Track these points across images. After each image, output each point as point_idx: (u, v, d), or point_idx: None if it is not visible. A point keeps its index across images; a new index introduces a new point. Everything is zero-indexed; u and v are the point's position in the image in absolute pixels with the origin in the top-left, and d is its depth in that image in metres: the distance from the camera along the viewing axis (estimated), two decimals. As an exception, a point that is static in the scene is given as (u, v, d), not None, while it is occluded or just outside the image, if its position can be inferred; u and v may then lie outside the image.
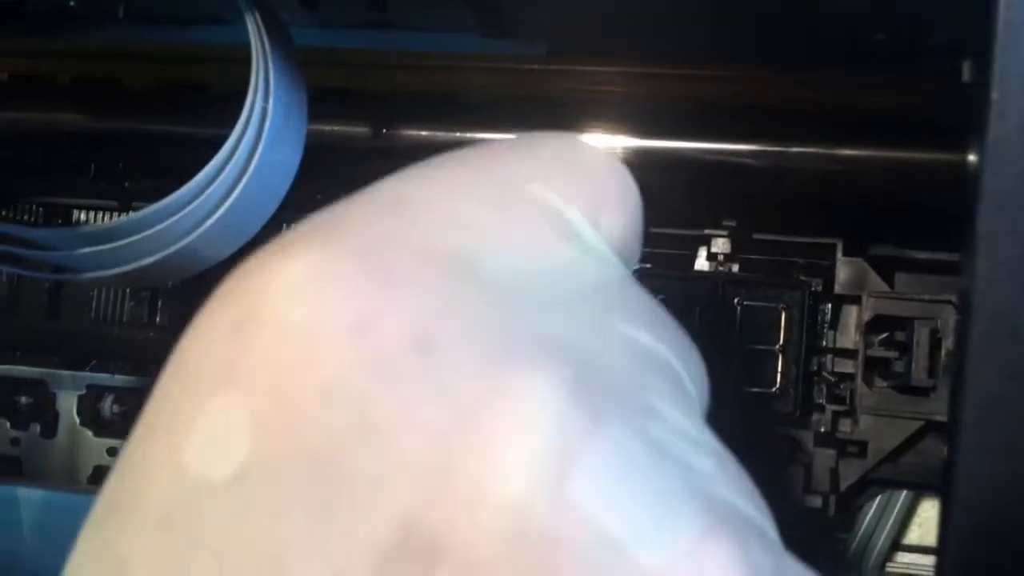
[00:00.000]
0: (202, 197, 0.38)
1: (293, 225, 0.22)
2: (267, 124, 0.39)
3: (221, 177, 0.38)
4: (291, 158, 0.42)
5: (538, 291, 0.21)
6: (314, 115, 0.45)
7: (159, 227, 0.38)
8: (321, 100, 0.46)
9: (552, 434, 0.18)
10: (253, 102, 0.39)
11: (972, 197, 0.28)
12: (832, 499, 0.56)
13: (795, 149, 0.51)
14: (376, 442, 0.18)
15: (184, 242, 0.39)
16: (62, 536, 0.48)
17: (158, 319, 0.62)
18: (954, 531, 0.30)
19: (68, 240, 0.40)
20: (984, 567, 0.29)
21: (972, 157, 0.29)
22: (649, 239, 0.60)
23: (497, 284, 0.21)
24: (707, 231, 0.59)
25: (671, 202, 0.58)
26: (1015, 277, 0.28)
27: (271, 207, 0.42)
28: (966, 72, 0.30)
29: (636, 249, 0.27)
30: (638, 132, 0.53)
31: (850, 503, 0.58)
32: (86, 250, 0.40)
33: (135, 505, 0.19)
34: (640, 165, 0.54)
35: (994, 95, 0.28)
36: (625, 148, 0.53)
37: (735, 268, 0.59)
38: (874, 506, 0.60)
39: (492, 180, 0.23)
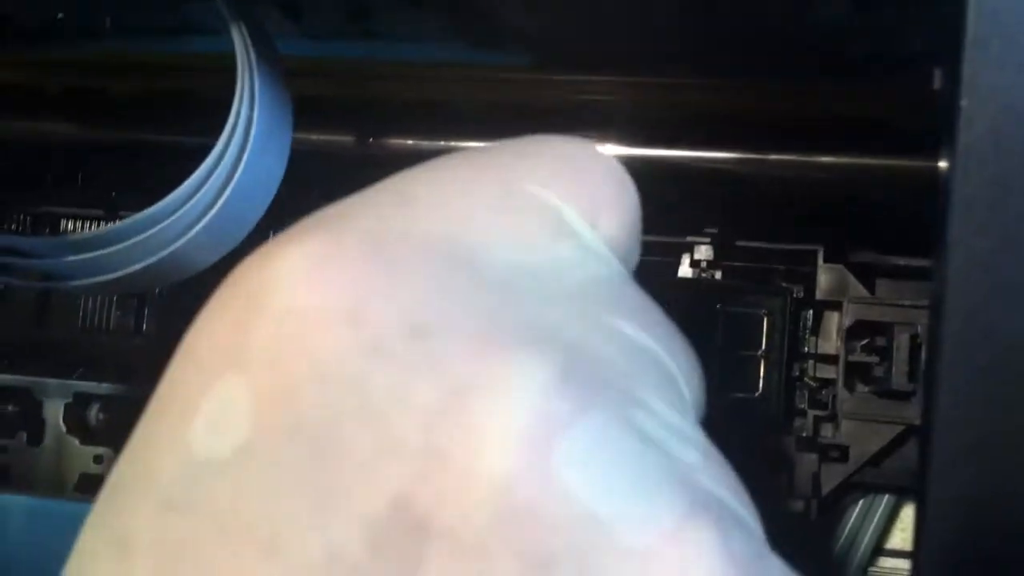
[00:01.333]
0: (188, 205, 0.39)
1: (279, 233, 0.23)
2: (252, 133, 0.39)
3: (207, 185, 0.38)
4: (276, 167, 0.42)
5: (533, 284, 0.22)
6: (300, 125, 0.45)
7: (145, 235, 0.39)
8: (307, 110, 0.46)
9: (539, 415, 0.19)
10: (239, 111, 0.39)
11: (943, 202, 0.29)
12: (814, 503, 0.56)
13: (774, 157, 0.52)
14: (370, 421, 0.19)
15: (170, 249, 0.39)
16: (49, 544, 0.48)
17: (144, 327, 0.62)
18: (929, 533, 0.30)
19: (56, 248, 0.41)
20: (959, 569, 0.30)
21: (943, 163, 0.30)
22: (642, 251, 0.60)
23: (493, 276, 0.22)
24: (690, 238, 0.59)
25: (654, 209, 0.58)
26: (985, 281, 0.29)
27: (256, 215, 0.42)
28: (937, 80, 0.31)
29: (635, 249, 0.28)
30: (622, 141, 0.53)
31: (832, 507, 0.58)
32: (73, 258, 0.40)
33: (139, 486, 0.20)
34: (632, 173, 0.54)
35: (963, 102, 0.28)
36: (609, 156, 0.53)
37: (718, 275, 0.59)
38: (856, 510, 0.60)
39: (493, 179, 0.24)
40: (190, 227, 0.39)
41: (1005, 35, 0.28)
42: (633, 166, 0.53)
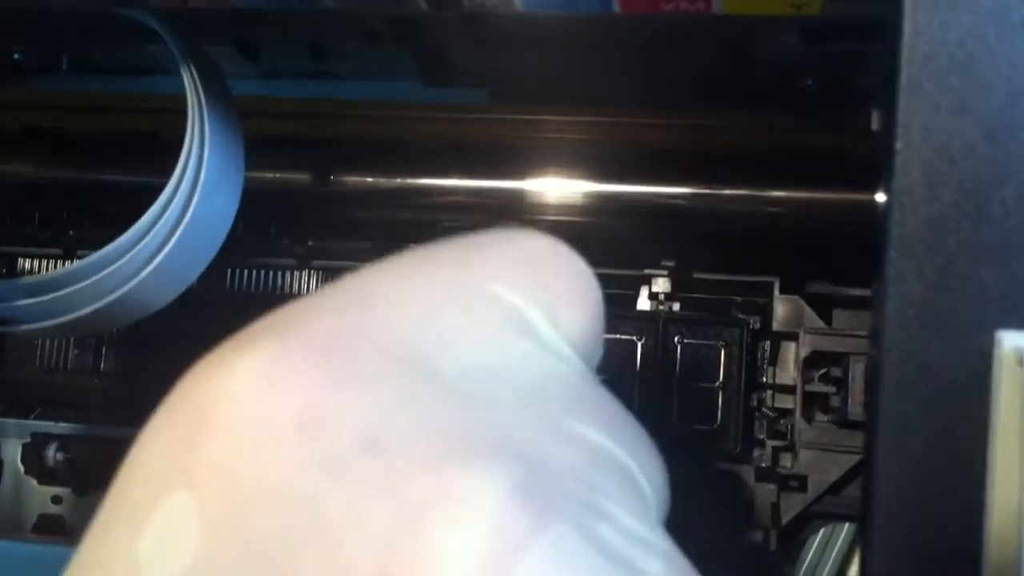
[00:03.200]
0: (139, 246, 0.39)
1: (228, 339, 0.23)
2: (203, 174, 0.39)
3: (158, 226, 0.38)
4: (228, 206, 0.42)
5: (492, 389, 0.22)
6: (258, 163, 0.46)
7: (97, 276, 0.39)
8: (265, 148, 0.47)
9: (496, 535, 0.19)
10: (189, 152, 0.39)
11: (881, 240, 0.30)
12: (773, 533, 0.57)
13: (728, 191, 0.52)
14: (322, 543, 0.19)
15: (123, 290, 0.39)
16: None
17: (102, 366, 0.62)
18: (874, 561, 0.30)
19: (10, 292, 0.40)
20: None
21: (880, 198, 0.30)
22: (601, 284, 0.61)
23: (451, 382, 0.21)
24: (647, 271, 0.60)
25: (612, 243, 0.59)
26: (922, 319, 0.29)
27: (209, 255, 0.42)
28: (875, 121, 0.32)
29: (597, 347, 0.27)
30: (578, 176, 0.54)
31: (793, 536, 0.59)
32: (27, 301, 0.40)
33: None
34: (581, 208, 0.55)
35: (898, 145, 0.29)
36: (566, 192, 0.54)
37: (676, 307, 0.60)
38: (817, 539, 0.61)
39: (453, 278, 0.24)
40: (142, 268, 0.39)
41: (937, 79, 0.29)
42: (590, 202, 0.54)
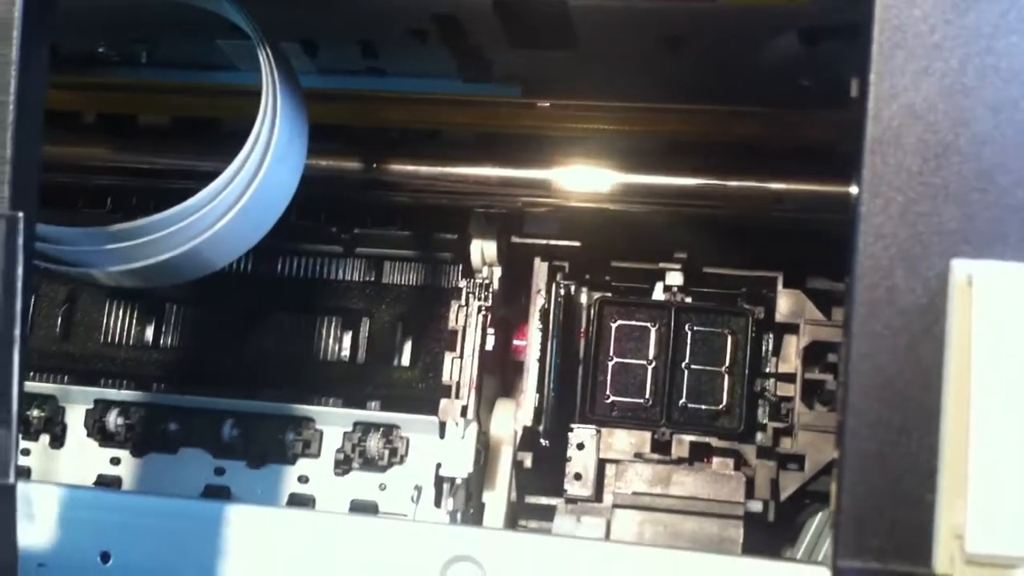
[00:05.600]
0: (212, 204, 0.44)
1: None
2: (273, 143, 0.45)
3: (230, 188, 0.44)
4: (291, 177, 0.48)
5: None
6: (312, 151, 0.51)
7: (173, 228, 0.44)
8: (318, 137, 0.52)
9: None
10: (263, 122, 0.45)
11: (857, 183, 0.35)
12: (772, 504, 0.61)
13: (734, 183, 0.57)
14: None
15: (193, 243, 0.45)
16: (68, 528, 0.52)
17: (160, 341, 0.67)
18: (847, 460, 0.35)
19: (92, 237, 0.46)
20: (865, 522, 0.35)
21: (854, 189, 0.36)
22: (613, 272, 0.66)
23: None
24: (662, 265, 0.65)
25: (632, 235, 0.65)
26: (888, 250, 0.34)
27: (270, 221, 0.48)
28: (853, 88, 0.37)
29: None
30: (602, 165, 0.59)
31: (791, 512, 0.63)
32: (107, 247, 0.45)
33: None
34: (605, 196, 0.60)
35: (870, 104, 0.34)
36: (590, 181, 0.59)
37: (687, 299, 0.65)
38: (815, 523, 0.65)
39: None
40: (212, 224, 0.44)
41: (904, 47, 0.35)
42: (613, 190, 0.59)
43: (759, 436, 0.64)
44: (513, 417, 0.65)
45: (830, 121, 0.56)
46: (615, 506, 0.61)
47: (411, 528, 0.53)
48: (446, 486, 0.62)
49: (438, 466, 0.62)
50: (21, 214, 0.38)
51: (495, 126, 0.60)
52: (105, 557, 0.51)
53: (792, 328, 0.64)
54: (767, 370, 0.65)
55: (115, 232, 0.45)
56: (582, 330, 0.66)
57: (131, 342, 0.68)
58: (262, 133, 0.45)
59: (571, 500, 0.63)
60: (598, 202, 0.59)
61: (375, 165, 0.59)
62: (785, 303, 0.64)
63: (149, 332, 0.68)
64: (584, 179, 0.59)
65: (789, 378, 0.64)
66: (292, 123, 0.47)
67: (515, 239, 0.65)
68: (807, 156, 0.58)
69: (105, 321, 0.68)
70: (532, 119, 0.59)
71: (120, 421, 0.65)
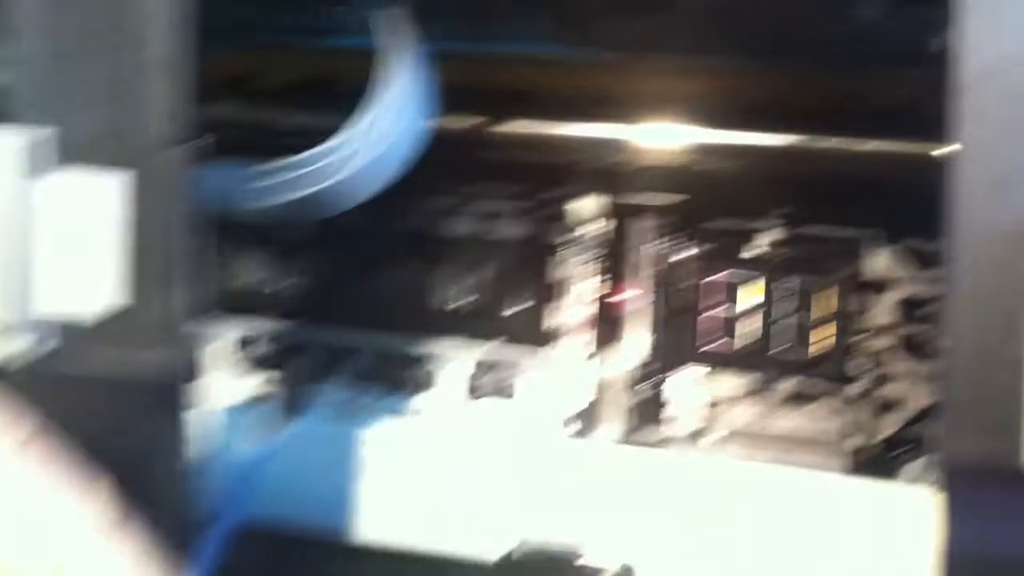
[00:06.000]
0: (357, 143, 0.49)
1: None
2: (404, 94, 0.49)
3: (372, 128, 0.49)
4: (419, 126, 0.52)
5: None
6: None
7: (318, 164, 0.49)
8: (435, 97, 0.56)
9: None
10: (392, 80, 0.50)
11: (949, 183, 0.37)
12: (868, 446, 0.64)
13: (835, 142, 0.60)
14: None
15: (340, 176, 0.50)
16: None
17: (302, 280, 0.73)
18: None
19: (250, 175, 0.51)
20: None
21: (947, 149, 0.38)
22: (712, 230, 0.69)
23: None
24: (758, 223, 0.68)
25: (729, 194, 0.67)
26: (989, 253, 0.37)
27: (399, 165, 0.52)
28: (939, 43, 0.39)
29: None
30: (699, 124, 0.62)
31: (885, 455, 0.65)
32: (255, 184, 0.51)
33: None
34: (699, 157, 0.63)
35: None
36: (686, 141, 0.62)
37: (784, 254, 0.68)
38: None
39: None
40: (358, 160, 0.49)
41: None
42: (709, 150, 0.62)
43: (855, 384, 0.66)
44: (618, 362, 0.68)
45: (920, 80, 0.57)
46: (717, 441, 0.64)
47: (533, 444, 0.58)
48: (558, 420, 0.66)
49: (550, 398, 0.66)
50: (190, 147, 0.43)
51: (598, 86, 0.63)
52: (259, 465, 0.56)
53: (887, 284, 0.66)
54: (863, 323, 0.67)
55: (270, 169, 0.50)
56: (682, 284, 0.69)
57: (275, 284, 0.73)
58: (395, 87, 0.50)
59: (673, 438, 0.66)
60: (696, 160, 0.62)
61: (487, 125, 0.63)
62: (880, 260, 0.66)
63: (293, 275, 0.73)
64: (681, 137, 0.62)
65: (884, 331, 0.66)
66: (419, 79, 0.52)
67: (619, 197, 0.68)
68: (898, 115, 0.59)
69: (252, 261, 0.73)
70: (630, 79, 0.62)
71: (265, 351, 0.71)
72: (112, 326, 0.42)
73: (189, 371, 0.43)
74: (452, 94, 0.64)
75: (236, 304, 0.72)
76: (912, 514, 0.52)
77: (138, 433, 0.43)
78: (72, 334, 0.42)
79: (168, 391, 0.43)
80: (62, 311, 0.42)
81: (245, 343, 0.71)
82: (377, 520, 0.58)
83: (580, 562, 0.54)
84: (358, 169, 0.50)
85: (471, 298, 0.70)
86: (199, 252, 0.43)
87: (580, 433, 0.65)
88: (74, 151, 0.43)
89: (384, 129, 0.50)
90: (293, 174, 0.49)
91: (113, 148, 0.43)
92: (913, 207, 0.65)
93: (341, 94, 0.66)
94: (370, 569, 0.60)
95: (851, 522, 0.53)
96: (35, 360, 0.42)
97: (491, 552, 0.56)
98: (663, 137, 0.62)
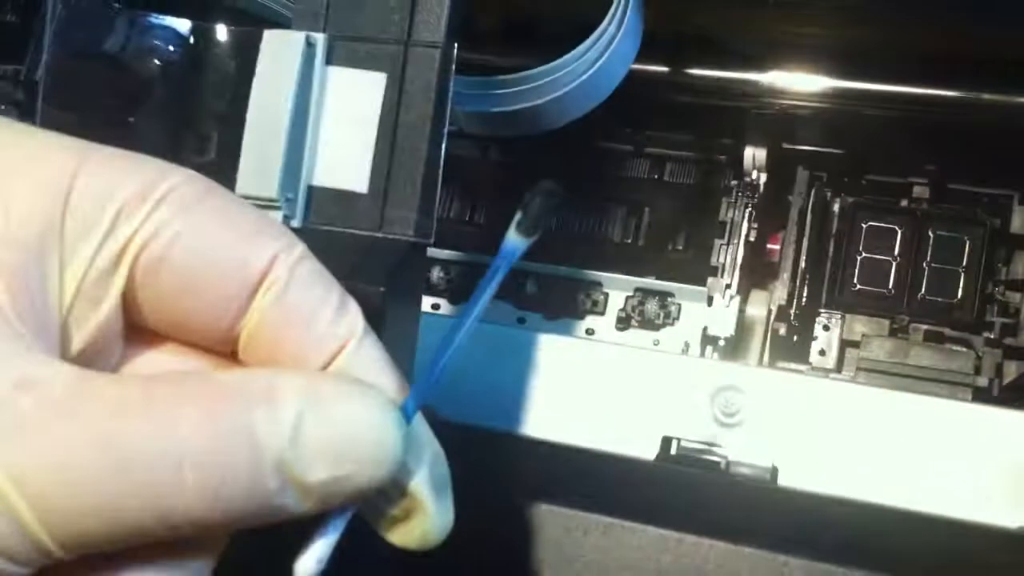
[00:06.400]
0: (578, 62, 0.57)
1: None
2: (627, 20, 0.58)
3: (590, 52, 0.57)
4: (632, 51, 0.60)
5: None
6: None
7: (546, 80, 0.57)
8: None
9: None
10: (615, 10, 0.58)
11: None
12: (996, 382, 0.70)
13: (987, 97, 0.67)
14: None
15: (555, 94, 0.58)
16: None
17: (472, 217, 0.82)
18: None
19: (475, 84, 0.60)
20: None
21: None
22: (866, 184, 0.76)
23: None
24: (910, 179, 0.75)
25: (880, 150, 0.75)
26: None
27: (613, 86, 0.61)
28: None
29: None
30: (843, 75, 0.69)
31: (1012, 395, 0.72)
32: (491, 92, 0.59)
33: None
34: (847, 105, 0.70)
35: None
36: (832, 88, 0.70)
37: (931, 207, 0.75)
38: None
39: None
40: (576, 79, 0.58)
41: None
42: (854, 98, 0.69)
43: (987, 332, 0.73)
44: (768, 300, 0.76)
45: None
46: (857, 370, 0.72)
47: (684, 360, 0.65)
48: (710, 346, 0.73)
49: (704, 328, 0.74)
50: (455, 46, 0.51)
51: (785, 31, 0.70)
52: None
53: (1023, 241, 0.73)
54: (999, 277, 0.73)
55: (497, 80, 0.59)
56: (834, 232, 0.76)
57: (452, 216, 0.82)
58: (616, 15, 0.58)
59: (817, 369, 0.74)
60: (854, 111, 0.69)
61: (666, 68, 0.71)
62: (1019, 217, 0.73)
63: (468, 211, 0.82)
64: (840, 86, 0.69)
65: (1017, 286, 0.73)
66: (635, 10, 0.60)
67: (784, 145, 0.76)
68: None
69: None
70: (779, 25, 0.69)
71: (441, 275, 0.79)
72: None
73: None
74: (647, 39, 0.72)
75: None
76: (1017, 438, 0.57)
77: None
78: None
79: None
80: (332, 184, 0.51)
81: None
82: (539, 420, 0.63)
83: (726, 462, 0.60)
84: (570, 91, 0.58)
85: (636, 236, 0.78)
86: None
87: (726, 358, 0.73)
88: (341, 52, 0.52)
89: (600, 60, 0.58)
90: (512, 89, 0.57)
91: (375, 51, 0.52)
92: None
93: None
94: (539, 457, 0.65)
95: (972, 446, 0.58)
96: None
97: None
98: (825, 86, 0.70)
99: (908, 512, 0.55)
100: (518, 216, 0.31)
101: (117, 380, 0.27)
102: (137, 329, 0.31)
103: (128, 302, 0.30)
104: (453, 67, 0.51)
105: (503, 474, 0.60)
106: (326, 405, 0.28)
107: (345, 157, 0.51)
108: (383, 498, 0.31)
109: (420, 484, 0.31)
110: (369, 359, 0.31)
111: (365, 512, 0.32)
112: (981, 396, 0.70)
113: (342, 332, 0.30)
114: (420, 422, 0.32)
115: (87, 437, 0.25)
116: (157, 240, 0.29)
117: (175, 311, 0.30)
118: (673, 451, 0.59)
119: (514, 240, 0.32)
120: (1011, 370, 0.72)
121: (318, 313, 0.30)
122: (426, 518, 0.32)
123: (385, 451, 0.28)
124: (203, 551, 0.28)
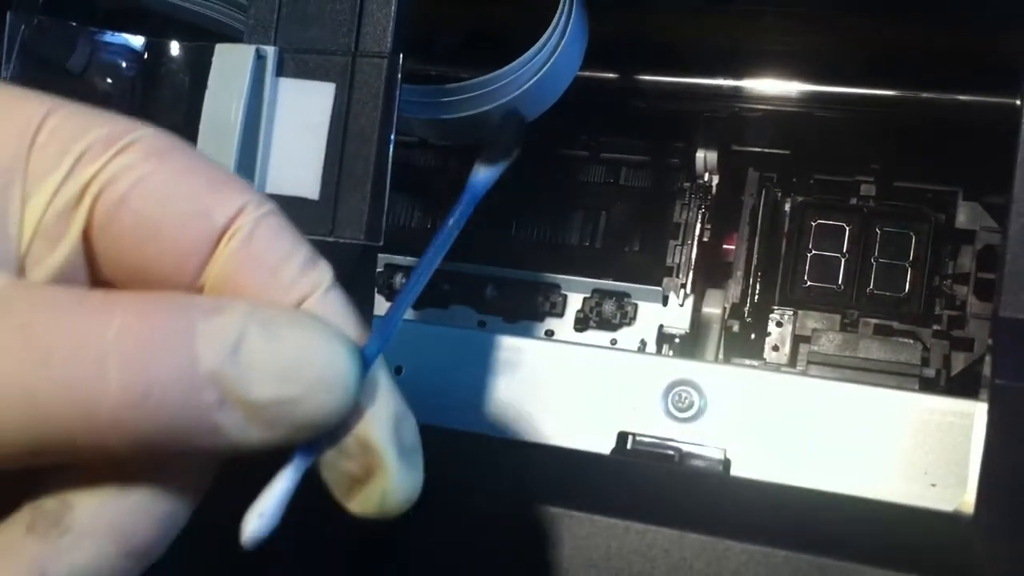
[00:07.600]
0: (526, 67, 0.59)
1: None
2: (570, 25, 0.59)
3: (537, 57, 0.59)
4: (578, 54, 0.62)
5: None
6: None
7: (496, 86, 0.59)
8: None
9: None
10: (560, 17, 0.60)
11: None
12: (943, 373, 0.72)
13: (928, 95, 0.69)
14: None
15: (504, 100, 0.60)
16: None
17: (437, 226, 0.83)
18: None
19: (428, 92, 0.61)
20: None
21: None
22: (815, 183, 0.78)
23: None
24: (858, 177, 0.77)
25: (828, 150, 0.77)
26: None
27: (560, 90, 0.62)
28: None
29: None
30: (791, 77, 0.71)
31: (958, 386, 0.74)
32: (425, 99, 0.61)
33: None
34: (797, 104, 0.72)
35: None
36: (786, 90, 0.72)
37: (877, 205, 0.77)
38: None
39: None
40: (524, 84, 0.59)
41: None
42: (801, 100, 0.71)
43: (935, 324, 0.75)
44: (723, 298, 0.78)
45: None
46: (809, 363, 0.73)
47: (640, 358, 0.67)
48: (666, 344, 0.75)
49: (660, 326, 0.75)
50: (400, 56, 0.53)
51: (736, 36, 0.72)
52: (399, 370, 0.66)
53: (969, 235, 0.75)
54: (946, 271, 0.75)
55: (447, 88, 0.60)
56: (785, 231, 0.78)
57: (413, 225, 0.83)
58: (560, 22, 0.60)
59: (770, 364, 0.75)
60: (803, 112, 0.71)
61: (620, 75, 0.73)
62: (964, 212, 0.75)
63: (430, 220, 0.83)
64: (789, 88, 0.71)
65: (963, 279, 0.75)
66: (580, 15, 0.62)
67: (735, 147, 0.78)
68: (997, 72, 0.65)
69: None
70: (749, 34, 0.71)
71: (403, 281, 0.80)
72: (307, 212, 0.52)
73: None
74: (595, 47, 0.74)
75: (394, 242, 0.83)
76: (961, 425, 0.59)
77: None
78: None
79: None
80: (284, 191, 0.52)
81: (387, 274, 0.81)
82: (500, 419, 0.64)
83: (679, 455, 0.61)
84: (537, 85, 0.60)
85: (593, 240, 0.80)
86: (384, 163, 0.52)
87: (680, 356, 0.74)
88: (291, 64, 0.54)
89: (546, 65, 0.60)
90: (461, 96, 0.59)
91: (323, 62, 0.54)
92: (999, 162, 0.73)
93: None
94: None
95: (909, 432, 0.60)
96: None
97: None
98: (775, 89, 0.72)
99: (852, 497, 0.56)
100: (483, 149, 0.31)
101: (57, 285, 0.27)
102: (102, 288, 0.30)
103: (90, 254, 0.29)
104: (399, 75, 0.53)
105: (464, 471, 0.61)
106: (275, 327, 0.26)
107: (296, 165, 0.53)
108: (342, 456, 0.29)
109: (380, 436, 0.29)
110: (334, 307, 0.29)
111: (324, 474, 0.30)
112: (929, 386, 0.71)
113: (308, 282, 0.29)
114: (384, 376, 0.30)
115: (10, 324, 0.25)
116: (119, 182, 0.28)
117: (137, 259, 0.29)
118: (629, 445, 0.61)
119: (482, 172, 0.32)
120: (958, 361, 0.73)
121: (284, 263, 0.29)
122: (386, 477, 0.29)
123: (336, 375, 0.27)
124: (174, 481, 0.27)
